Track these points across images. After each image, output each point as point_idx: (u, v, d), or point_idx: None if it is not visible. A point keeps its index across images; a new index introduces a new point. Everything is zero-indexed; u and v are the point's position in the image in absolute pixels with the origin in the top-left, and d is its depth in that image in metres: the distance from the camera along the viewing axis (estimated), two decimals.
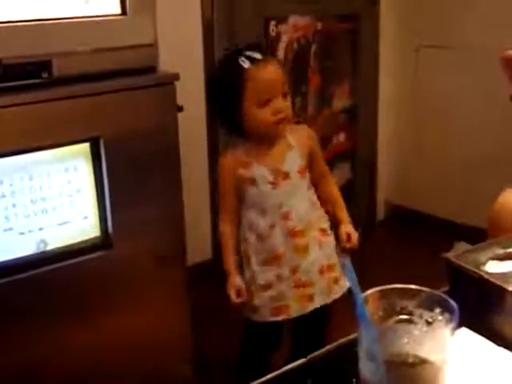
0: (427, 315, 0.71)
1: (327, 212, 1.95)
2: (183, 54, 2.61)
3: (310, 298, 1.87)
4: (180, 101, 1.94)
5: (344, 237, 1.88)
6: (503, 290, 0.92)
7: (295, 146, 1.85)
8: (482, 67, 3.10)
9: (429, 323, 0.71)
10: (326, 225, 1.91)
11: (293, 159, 1.84)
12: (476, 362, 0.89)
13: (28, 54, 1.68)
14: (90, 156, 1.83)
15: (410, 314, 0.72)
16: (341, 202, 1.97)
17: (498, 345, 0.92)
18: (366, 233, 3.65)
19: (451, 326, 0.68)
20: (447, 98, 3.41)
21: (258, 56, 1.74)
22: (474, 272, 0.97)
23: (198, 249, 2.64)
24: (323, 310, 1.91)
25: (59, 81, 1.73)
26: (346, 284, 1.90)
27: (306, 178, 1.87)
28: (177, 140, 1.95)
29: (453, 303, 0.69)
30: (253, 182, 1.81)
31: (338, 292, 1.91)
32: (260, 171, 1.80)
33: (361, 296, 0.69)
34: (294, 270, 1.84)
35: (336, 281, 1.91)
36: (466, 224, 3.17)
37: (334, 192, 1.98)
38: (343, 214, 1.94)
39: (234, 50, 1.81)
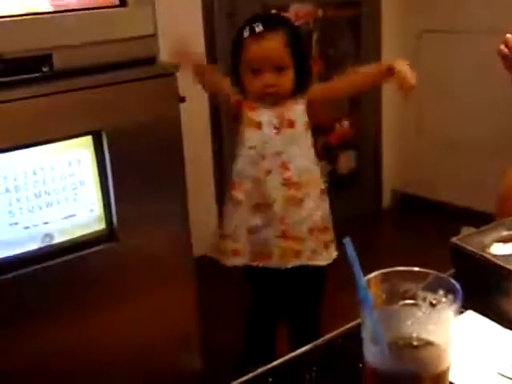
0: (431, 297, 0.71)
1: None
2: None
3: (297, 253, 1.90)
4: (182, 92, 1.93)
5: (401, 75, 1.86)
6: (508, 272, 0.92)
7: (301, 105, 1.89)
8: (485, 51, 3.08)
9: (432, 305, 0.70)
10: (324, 187, 1.94)
11: (299, 110, 1.88)
12: (482, 344, 0.89)
13: (28, 48, 1.68)
14: (92, 149, 1.82)
15: (413, 296, 0.72)
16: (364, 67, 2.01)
17: (505, 326, 0.92)
18: (373, 221, 3.65)
19: (455, 307, 0.67)
20: (451, 84, 3.39)
21: (258, 28, 1.80)
22: (478, 254, 0.97)
23: (203, 240, 2.64)
24: (311, 272, 1.94)
25: (60, 74, 1.73)
26: (334, 254, 1.93)
27: (309, 133, 1.91)
28: (179, 131, 1.95)
29: (456, 284, 0.69)
30: (258, 125, 1.85)
31: (325, 258, 1.93)
32: (266, 114, 1.86)
33: (363, 278, 0.69)
34: (282, 220, 1.87)
35: (326, 246, 1.93)
36: (474, 209, 3.16)
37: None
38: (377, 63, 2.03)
39: (253, 16, 1.90)
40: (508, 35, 1.48)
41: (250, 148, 1.87)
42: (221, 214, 2.03)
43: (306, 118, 1.90)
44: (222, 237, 1.96)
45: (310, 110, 1.90)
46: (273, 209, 1.87)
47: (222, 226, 1.97)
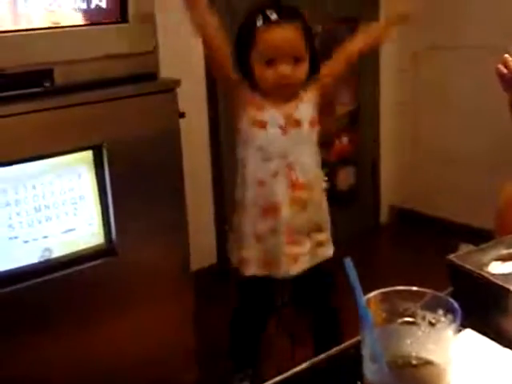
0: (430, 316, 0.71)
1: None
2: (184, 61, 2.61)
3: (295, 259, 1.85)
4: (182, 107, 1.94)
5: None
6: (506, 291, 0.92)
7: (308, 99, 1.84)
8: (482, 67, 3.10)
9: (432, 324, 0.71)
10: (324, 185, 1.90)
11: (306, 109, 1.83)
12: (481, 363, 0.89)
13: (29, 63, 1.69)
14: (92, 163, 1.83)
15: (412, 315, 0.72)
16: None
17: (504, 345, 0.92)
18: (371, 236, 3.65)
19: (454, 326, 0.68)
20: (449, 99, 3.40)
21: (272, 17, 1.74)
22: (476, 273, 0.97)
23: (202, 254, 2.64)
24: (314, 273, 1.90)
25: (61, 89, 1.74)
26: (329, 253, 1.90)
27: (316, 131, 1.85)
28: (179, 146, 1.96)
29: (455, 304, 0.69)
30: (263, 124, 1.79)
31: (320, 256, 1.89)
32: (272, 114, 1.79)
33: (363, 297, 0.69)
34: (289, 225, 1.82)
35: (320, 244, 1.89)
36: (472, 225, 3.16)
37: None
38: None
39: (262, 4, 1.82)
40: (506, 55, 1.48)
41: (258, 149, 1.80)
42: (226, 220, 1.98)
43: (313, 114, 1.84)
44: (236, 244, 1.91)
45: (324, 91, 1.87)
46: (279, 213, 1.81)
47: (234, 232, 1.91)
